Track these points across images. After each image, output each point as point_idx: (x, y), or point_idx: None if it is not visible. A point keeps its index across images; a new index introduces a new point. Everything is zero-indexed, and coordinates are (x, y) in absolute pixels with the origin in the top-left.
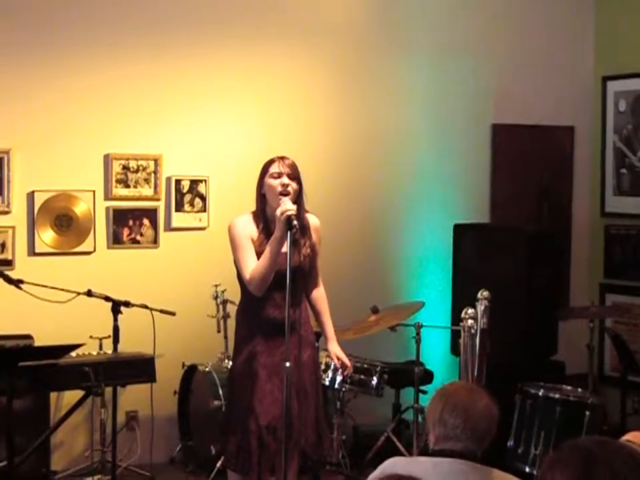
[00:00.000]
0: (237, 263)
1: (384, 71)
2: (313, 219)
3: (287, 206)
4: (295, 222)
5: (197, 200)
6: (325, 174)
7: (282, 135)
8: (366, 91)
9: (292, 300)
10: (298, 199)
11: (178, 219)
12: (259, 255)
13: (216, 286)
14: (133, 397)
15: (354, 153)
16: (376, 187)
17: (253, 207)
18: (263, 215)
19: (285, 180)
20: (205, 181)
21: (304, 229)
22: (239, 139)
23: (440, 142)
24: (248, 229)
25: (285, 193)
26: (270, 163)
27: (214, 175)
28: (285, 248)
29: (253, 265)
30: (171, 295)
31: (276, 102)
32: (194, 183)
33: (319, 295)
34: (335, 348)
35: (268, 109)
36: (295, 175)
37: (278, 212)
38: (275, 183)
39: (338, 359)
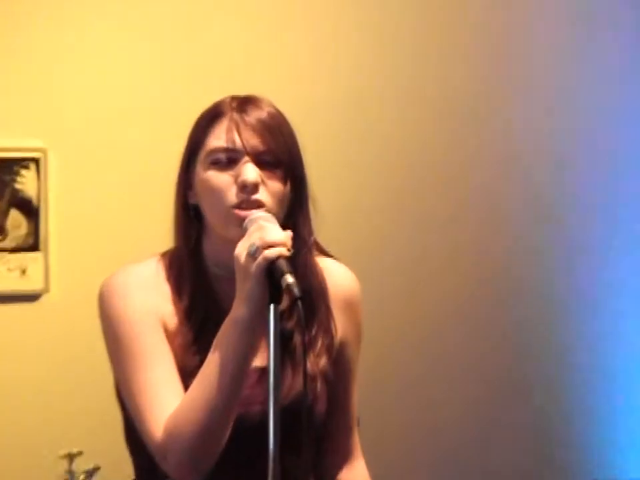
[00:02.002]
0: (124, 393)
1: None
2: (338, 274)
3: (267, 235)
4: (290, 280)
5: (15, 215)
6: (373, 160)
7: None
8: None
9: None
10: (295, 218)
11: None
12: (185, 374)
13: (69, 458)
14: None
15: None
16: (511, 193)
17: (166, 242)
18: (193, 263)
19: (250, 173)
20: (37, 162)
21: (312, 300)
22: (126, 71)
23: None
24: (153, 302)
25: (249, 205)
26: (210, 118)
27: (60, 148)
28: (259, 360)
29: (173, 404)
30: None
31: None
32: (6, 166)
33: None
34: None
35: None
36: (280, 151)
37: (240, 252)
38: (223, 179)
39: None
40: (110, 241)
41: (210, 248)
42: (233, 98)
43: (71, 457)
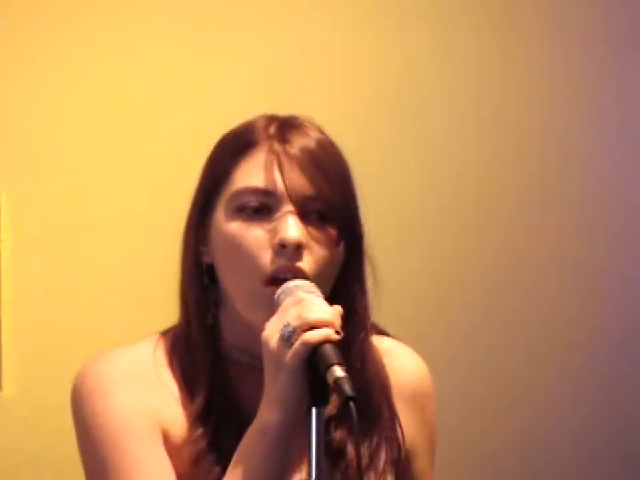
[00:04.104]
0: None
1: None
2: (403, 360)
3: (308, 311)
4: (340, 373)
5: None
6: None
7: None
8: None
9: None
10: (348, 289)
11: None
12: None
13: None
14: None
15: None
16: None
17: (164, 316)
18: (209, 346)
19: (292, 229)
20: None
21: (372, 399)
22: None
23: None
24: (147, 401)
25: (283, 274)
26: (239, 146)
27: (16, 193)
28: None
29: None
30: None
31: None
32: None
33: None
34: None
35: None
36: (335, 198)
37: (271, 334)
38: (255, 235)
39: None
40: (81, 320)
41: (228, 324)
42: (270, 119)
43: None
